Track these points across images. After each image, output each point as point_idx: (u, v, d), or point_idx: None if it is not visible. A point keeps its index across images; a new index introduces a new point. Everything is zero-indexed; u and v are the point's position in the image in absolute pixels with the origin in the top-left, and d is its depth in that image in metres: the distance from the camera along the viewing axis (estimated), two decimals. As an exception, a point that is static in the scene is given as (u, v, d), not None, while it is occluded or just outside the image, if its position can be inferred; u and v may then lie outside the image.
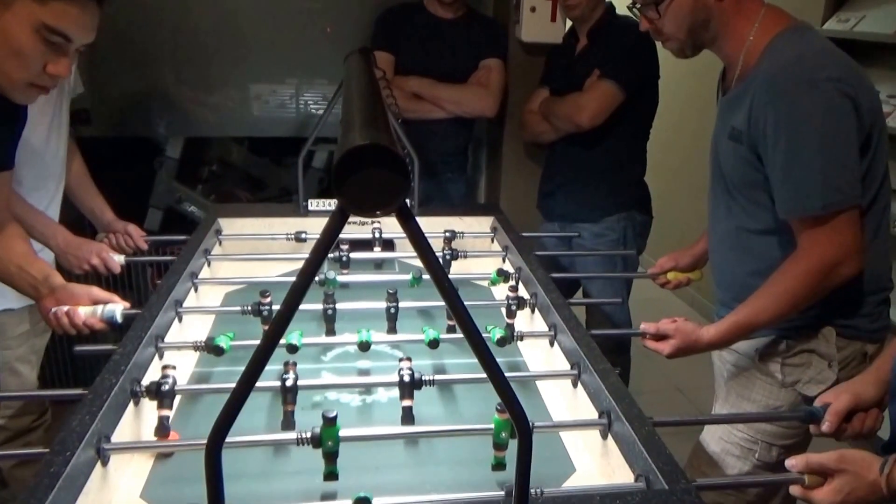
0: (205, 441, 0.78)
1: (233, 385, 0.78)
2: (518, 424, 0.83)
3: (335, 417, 1.15)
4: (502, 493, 1.08)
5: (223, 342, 1.53)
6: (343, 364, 1.71)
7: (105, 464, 1.22)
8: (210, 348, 1.53)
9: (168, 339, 1.63)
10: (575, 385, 1.52)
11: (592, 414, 1.40)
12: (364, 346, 1.58)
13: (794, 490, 1.19)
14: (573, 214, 2.77)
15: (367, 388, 1.60)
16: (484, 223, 2.43)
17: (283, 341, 1.47)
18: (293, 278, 0.76)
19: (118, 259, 2.14)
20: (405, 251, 2.26)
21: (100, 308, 1.67)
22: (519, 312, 1.77)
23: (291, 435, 1.19)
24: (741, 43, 1.61)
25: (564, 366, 1.58)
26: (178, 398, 1.52)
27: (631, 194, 2.76)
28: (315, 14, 3.25)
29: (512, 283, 1.85)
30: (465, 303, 0.79)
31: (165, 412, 1.36)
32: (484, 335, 0.81)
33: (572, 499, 1.11)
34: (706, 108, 2.44)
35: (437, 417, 1.50)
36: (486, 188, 3.49)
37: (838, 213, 1.48)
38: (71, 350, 1.63)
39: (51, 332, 2.11)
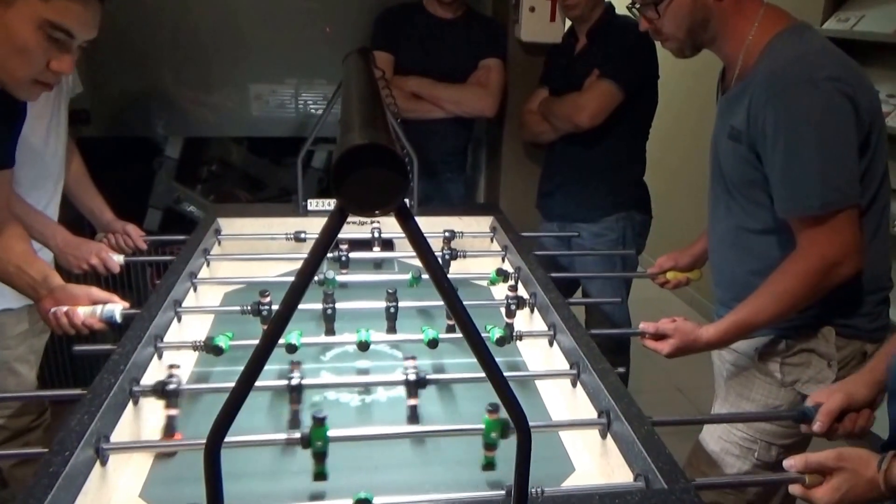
0: (204, 441, 0.78)
1: (232, 385, 0.78)
2: (517, 424, 0.83)
3: (325, 418, 1.15)
4: (502, 492, 1.08)
5: (222, 342, 1.53)
6: (342, 364, 1.71)
7: (104, 463, 1.22)
8: (209, 348, 1.53)
9: (167, 338, 1.63)
10: (574, 385, 1.52)
11: (592, 413, 1.40)
12: (363, 346, 1.58)
13: (794, 489, 1.20)
14: (572, 214, 2.77)
15: (367, 388, 1.60)
16: (483, 223, 2.43)
17: (282, 341, 1.47)
18: (292, 278, 0.75)
19: (117, 259, 2.14)
20: (404, 251, 2.26)
21: (99, 308, 1.67)
22: (518, 312, 1.77)
23: (282, 435, 1.19)
24: (740, 43, 1.61)
25: (564, 365, 1.58)
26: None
27: (630, 194, 2.76)
28: (314, 14, 3.25)
29: (511, 282, 1.85)
30: (465, 302, 0.79)
31: (172, 411, 1.37)
32: (483, 335, 0.81)
33: (571, 498, 1.11)
34: (705, 108, 2.44)
35: (436, 417, 1.50)
36: (485, 188, 3.49)
37: (837, 212, 1.48)
38: (70, 350, 1.63)
39: (50, 332, 2.11)
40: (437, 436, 1.38)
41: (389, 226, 2.19)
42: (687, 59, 1.76)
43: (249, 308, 1.69)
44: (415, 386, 1.40)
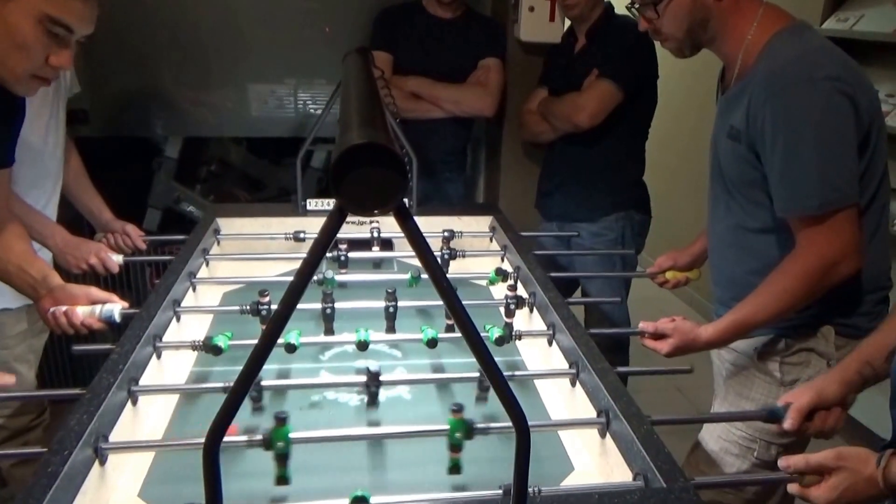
0: (203, 440, 0.78)
1: (231, 384, 0.78)
2: (516, 424, 0.83)
3: (286, 418, 1.12)
4: (500, 491, 1.08)
5: (221, 342, 1.53)
6: (341, 363, 1.71)
7: (103, 463, 1.22)
8: (208, 348, 1.53)
9: (166, 338, 1.63)
10: (573, 384, 1.53)
11: (591, 413, 1.40)
12: (362, 346, 1.58)
13: (792, 488, 1.20)
14: (572, 214, 2.77)
15: (366, 388, 1.60)
16: (482, 223, 2.43)
17: (281, 340, 1.47)
18: (291, 278, 0.75)
19: (116, 259, 2.14)
20: (404, 251, 2.25)
21: (98, 308, 1.67)
22: (517, 312, 1.77)
23: (243, 437, 1.18)
24: (740, 42, 1.61)
25: (563, 365, 1.58)
26: (176, 398, 1.53)
27: (629, 194, 2.76)
28: (314, 14, 3.25)
29: (510, 282, 1.85)
30: (464, 302, 0.79)
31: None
32: (482, 334, 0.81)
33: (571, 498, 1.11)
34: (705, 108, 2.44)
35: (436, 416, 1.50)
36: (484, 188, 3.49)
37: (836, 211, 1.48)
38: (69, 349, 1.63)
39: (49, 332, 2.11)
40: (400, 438, 1.35)
41: (388, 225, 2.19)
42: (686, 59, 1.76)
43: (248, 308, 1.69)
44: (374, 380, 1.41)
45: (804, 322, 1.66)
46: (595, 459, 1.37)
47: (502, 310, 1.78)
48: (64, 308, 1.66)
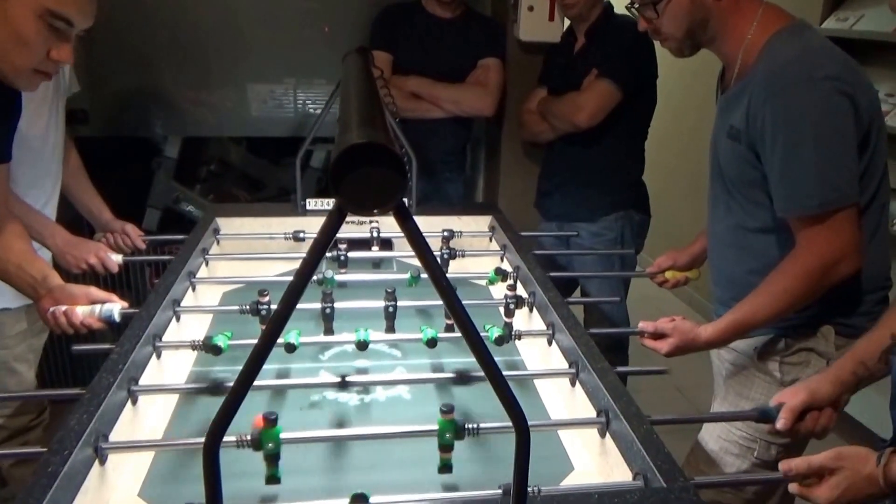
0: (203, 440, 0.78)
1: (231, 384, 0.78)
2: (516, 424, 0.83)
3: (276, 419, 1.11)
4: (499, 491, 1.08)
5: (221, 341, 1.53)
6: (341, 363, 1.71)
7: (103, 463, 1.22)
8: (208, 347, 1.53)
9: (166, 338, 1.63)
10: (573, 384, 1.53)
11: (590, 412, 1.40)
12: (362, 346, 1.58)
13: (793, 487, 1.20)
14: (571, 214, 2.77)
15: (366, 388, 1.60)
16: (482, 222, 2.43)
17: (281, 340, 1.47)
18: (291, 278, 0.75)
19: (116, 258, 2.14)
20: (403, 250, 2.25)
21: (98, 307, 1.67)
22: (517, 311, 1.77)
23: (231, 437, 1.17)
24: (739, 42, 1.61)
25: (562, 364, 1.58)
26: (175, 397, 1.53)
27: (629, 193, 2.76)
28: (313, 14, 3.25)
29: (510, 282, 1.85)
30: (463, 302, 0.79)
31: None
32: (482, 334, 0.81)
33: (570, 497, 1.11)
34: (704, 107, 2.44)
35: (434, 416, 1.50)
36: (484, 187, 3.49)
37: (836, 211, 1.48)
38: (69, 349, 1.63)
39: (48, 332, 2.11)
40: (391, 438, 1.35)
41: (388, 225, 2.19)
42: (685, 59, 1.76)
43: (248, 307, 1.69)
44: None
45: (804, 322, 1.66)
46: (595, 459, 1.37)
47: (502, 309, 1.78)
48: (64, 308, 1.66)
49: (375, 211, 0.70)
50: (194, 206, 3.28)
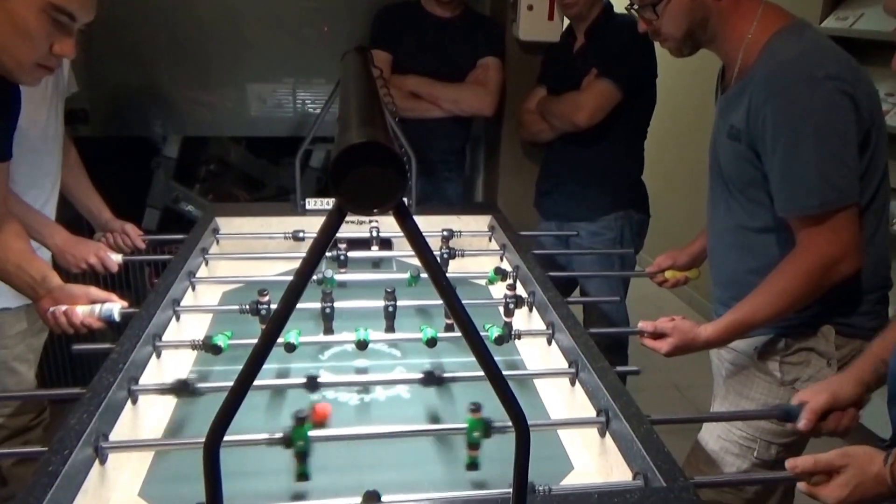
0: (203, 440, 0.78)
1: (231, 384, 0.78)
2: (516, 423, 0.83)
3: (306, 417, 1.13)
4: (499, 491, 1.08)
5: (221, 341, 1.53)
6: (341, 363, 1.71)
7: (103, 462, 1.22)
8: (208, 347, 1.53)
9: (166, 337, 1.63)
10: (573, 383, 1.53)
11: (590, 412, 1.40)
12: (362, 345, 1.58)
13: (801, 486, 1.20)
14: (570, 213, 2.77)
15: (365, 387, 1.60)
16: (481, 222, 2.43)
17: (280, 340, 1.47)
18: (291, 277, 0.75)
19: (116, 258, 2.14)
20: (403, 250, 2.26)
21: (98, 307, 1.67)
22: (517, 311, 1.77)
23: (252, 436, 1.19)
24: (740, 41, 1.61)
25: (562, 364, 1.58)
26: (175, 397, 1.53)
27: (628, 193, 2.76)
28: (313, 13, 3.25)
29: (510, 281, 1.85)
30: (463, 301, 0.80)
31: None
32: (482, 334, 0.81)
33: (570, 497, 1.11)
34: (703, 107, 2.44)
35: (435, 416, 1.51)
36: (483, 187, 3.49)
37: (837, 211, 1.48)
38: (69, 349, 1.63)
39: (48, 331, 2.11)
40: (420, 436, 1.36)
41: (388, 225, 2.19)
42: (685, 58, 1.76)
43: (248, 307, 1.69)
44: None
45: (804, 321, 1.66)
46: (595, 459, 1.37)
47: (501, 309, 1.78)
48: (63, 307, 1.66)
49: (375, 210, 0.70)
50: (194, 205, 3.29)
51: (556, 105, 2.66)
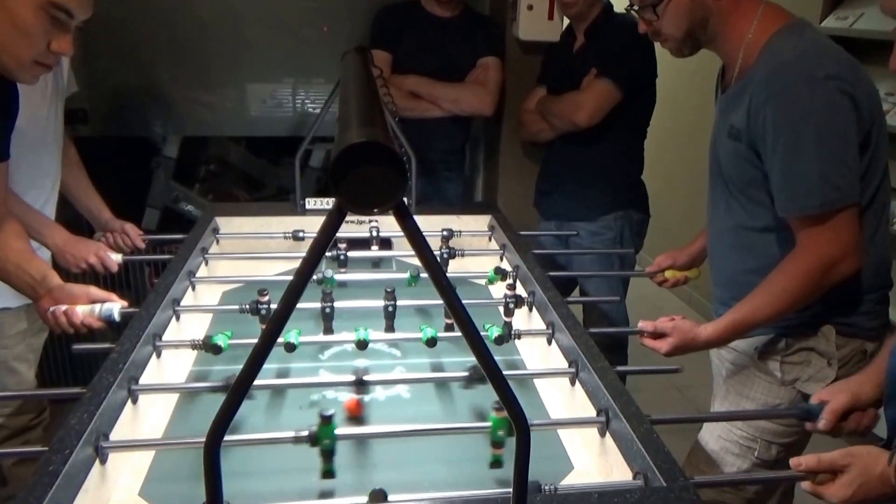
0: (203, 439, 0.78)
1: (231, 383, 0.78)
2: (516, 423, 0.83)
3: (332, 416, 1.15)
4: (500, 490, 1.08)
5: (221, 341, 1.53)
6: (341, 363, 1.71)
7: (103, 462, 1.22)
8: (208, 347, 1.53)
9: (166, 337, 1.63)
10: (573, 383, 1.53)
11: (590, 412, 1.40)
12: (362, 345, 1.58)
13: (805, 486, 1.20)
14: (570, 213, 2.77)
15: (365, 387, 1.60)
16: (481, 222, 2.43)
17: (280, 340, 1.47)
18: (291, 277, 0.76)
19: (116, 258, 2.14)
20: (403, 250, 2.26)
21: (98, 307, 1.67)
22: (516, 311, 1.77)
23: (278, 434, 1.20)
24: (740, 41, 1.61)
25: (562, 364, 1.58)
26: (176, 396, 1.53)
27: (628, 193, 2.76)
28: (312, 13, 3.25)
29: (509, 281, 1.85)
30: (463, 301, 0.80)
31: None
32: (482, 333, 0.81)
33: (570, 497, 1.11)
34: (703, 106, 2.44)
35: (434, 415, 1.51)
36: (483, 187, 3.49)
37: (837, 211, 1.48)
38: (69, 349, 1.63)
39: (48, 331, 2.11)
40: (445, 434, 1.37)
41: (388, 224, 2.19)
42: (684, 58, 1.76)
43: (248, 307, 1.69)
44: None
45: (804, 321, 1.66)
46: (595, 458, 1.37)
47: (501, 309, 1.78)
48: (63, 307, 1.66)
49: (375, 210, 0.70)
50: (193, 205, 3.29)
51: (555, 105, 2.66)
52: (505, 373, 0.83)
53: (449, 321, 1.72)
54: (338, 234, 0.83)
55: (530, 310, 1.85)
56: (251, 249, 2.27)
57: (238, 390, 0.77)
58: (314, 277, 1.77)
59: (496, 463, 1.23)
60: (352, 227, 2.24)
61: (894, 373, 1.28)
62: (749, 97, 1.54)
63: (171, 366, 1.62)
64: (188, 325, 1.78)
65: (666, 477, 1.12)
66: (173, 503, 1.24)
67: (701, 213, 1.91)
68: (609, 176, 2.70)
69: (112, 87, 3.15)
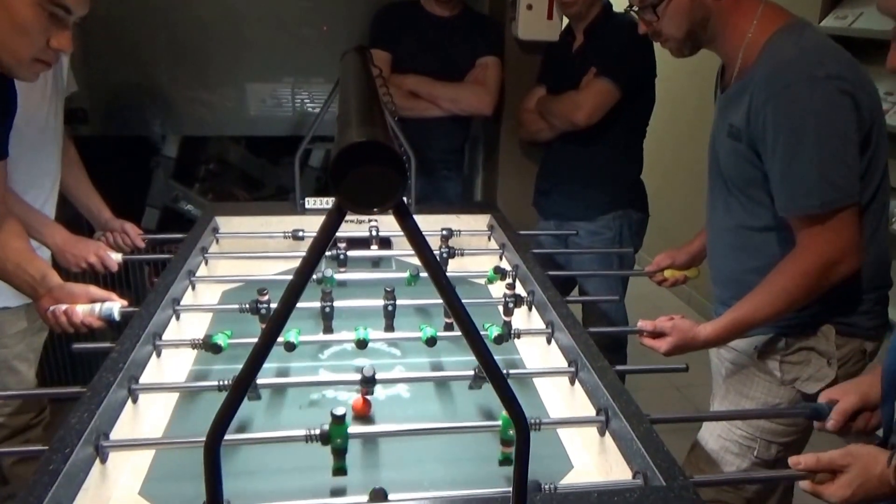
0: (203, 438, 0.78)
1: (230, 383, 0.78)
2: (516, 422, 0.84)
3: (344, 416, 1.15)
4: (500, 489, 1.08)
5: (221, 340, 1.53)
6: (340, 362, 1.71)
7: (104, 461, 1.22)
8: (208, 346, 1.53)
9: (166, 336, 1.63)
10: (572, 382, 1.53)
11: (590, 411, 1.40)
12: (361, 344, 1.58)
13: (804, 485, 1.20)
14: (569, 212, 2.77)
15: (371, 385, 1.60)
16: (481, 221, 2.43)
17: (280, 339, 1.47)
18: (290, 276, 0.76)
19: (115, 257, 2.14)
20: (402, 249, 2.26)
21: (98, 306, 1.67)
22: (516, 310, 1.77)
23: (290, 432, 1.20)
24: (740, 41, 1.61)
25: (562, 363, 1.59)
26: (176, 396, 1.53)
27: (627, 192, 2.76)
28: (312, 13, 3.25)
29: (509, 280, 1.85)
30: (463, 300, 0.80)
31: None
32: (481, 333, 0.81)
33: (570, 496, 1.11)
34: (702, 106, 2.44)
35: (435, 415, 1.51)
36: (482, 186, 3.49)
37: (837, 211, 1.48)
38: (69, 348, 1.63)
39: (48, 330, 2.11)
40: (453, 433, 1.36)
41: (387, 224, 2.19)
42: (684, 58, 1.76)
43: (248, 306, 1.69)
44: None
45: (804, 321, 1.66)
46: (594, 458, 1.37)
47: (501, 308, 1.78)
48: (63, 306, 1.66)
49: (375, 209, 0.70)
50: (193, 205, 3.29)
51: (555, 104, 2.66)
52: (504, 372, 0.83)
53: (448, 320, 1.72)
54: (337, 234, 0.83)
55: (530, 309, 1.85)
56: (251, 249, 2.27)
57: (238, 390, 0.77)
58: (314, 277, 1.77)
59: (506, 461, 1.24)
60: (351, 227, 2.24)
61: (890, 371, 1.28)
62: (749, 97, 1.55)
63: (171, 365, 1.63)
64: (188, 325, 1.78)
65: (665, 476, 1.12)
66: (173, 502, 1.24)
67: (700, 213, 1.91)
68: (608, 175, 2.70)
69: (112, 87, 3.15)
